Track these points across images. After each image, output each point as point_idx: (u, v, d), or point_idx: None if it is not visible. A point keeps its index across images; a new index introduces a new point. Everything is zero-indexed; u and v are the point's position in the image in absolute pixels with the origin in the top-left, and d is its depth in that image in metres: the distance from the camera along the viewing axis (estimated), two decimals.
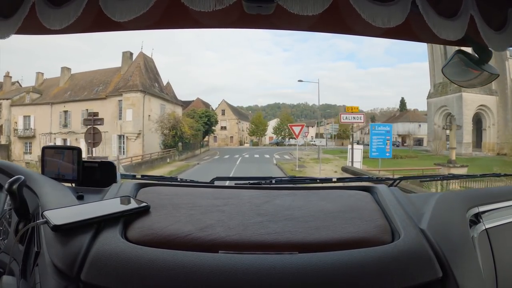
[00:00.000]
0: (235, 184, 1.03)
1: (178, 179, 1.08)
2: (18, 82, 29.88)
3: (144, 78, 25.51)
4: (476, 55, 0.88)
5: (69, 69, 28.75)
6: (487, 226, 0.78)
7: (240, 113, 55.00)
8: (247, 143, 49.44)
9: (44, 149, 1.00)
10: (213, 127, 32.43)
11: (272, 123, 53.13)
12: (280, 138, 49.76)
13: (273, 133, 50.64)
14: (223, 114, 47.84)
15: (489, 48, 0.80)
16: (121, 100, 24.31)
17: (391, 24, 0.62)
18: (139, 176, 1.07)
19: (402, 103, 63.22)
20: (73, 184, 0.95)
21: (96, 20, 0.77)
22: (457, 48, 0.91)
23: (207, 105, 42.16)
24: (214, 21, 0.83)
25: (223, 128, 47.01)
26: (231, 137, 47.35)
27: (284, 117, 51.96)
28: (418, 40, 0.89)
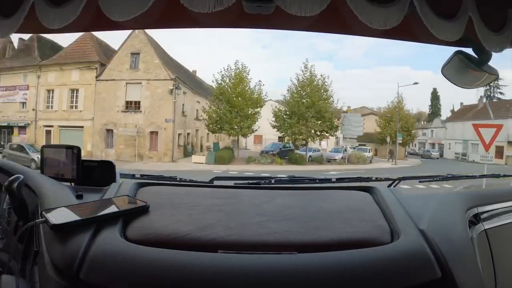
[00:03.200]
0: (235, 184, 1.03)
1: (178, 179, 1.08)
2: None
3: None
4: (476, 56, 0.88)
5: None
6: (486, 227, 0.78)
7: (184, 72, 21.29)
8: (208, 149, 19.53)
9: (43, 148, 1.00)
10: None
11: (271, 106, 18.86)
12: (287, 141, 20.40)
13: (275, 127, 18.67)
14: (134, 67, 16.88)
15: (487, 49, 0.80)
16: None
17: (388, 25, 0.62)
18: (139, 176, 1.07)
19: (434, 95, 43.56)
20: (73, 183, 0.95)
21: (95, 19, 0.77)
22: (456, 48, 0.91)
23: (106, 47, 18.15)
24: (214, 21, 0.83)
25: (133, 105, 16.84)
26: (154, 133, 16.71)
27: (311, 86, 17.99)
28: (417, 41, 0.90)
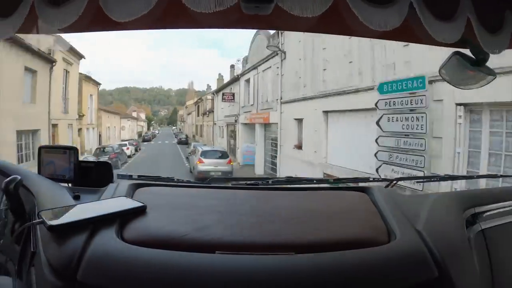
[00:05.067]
0: (232, 184, 1.03)
1: (175, 179, 1.08)
2: None
3: None
4: (473, 57, 0.89)
5: None
6: (483, 227, 0.79)
7: None
8: None
9: (41, 148, 0.99)
10: None
11: None
12: None
13: None
14: None
15: (485, 51, 0.81)
16: None
17: (388, 27, 0.62)
18: (136, 176, 1.07)
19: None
20: (70, 184, 0.94)
21: (96, 19, 0.77)
22: (454, 49, 0.92)
23: None
24: (214, 22, 0.83)
25: None
26: None
27: None
28: (416, 42, 0.90)
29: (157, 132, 63.39)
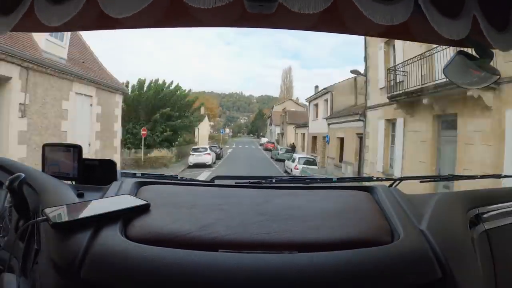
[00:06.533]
0: (236, 183, 1.03)
1: (179, 178, 1.08)
2: None
3: None
4: (478, 56, 0.88)
5: None
6: (487, 228, 0.78)
7: None
8: None
9: (45, 146, 1.00)
10: None
11: None
12: None
13: None
14: None
15: (494, 48, 0.79)
16: None
17: (395, 21, 0.61)
18: (140, 175, 1.07)
19: None
20: (74, 182, 0.95)
21: (95, 17, 0.77)
22: (458, 49, 0.91)
23: None
24: (216, 20, 0.83)
25: None
26: None
27: None
28: (420, 41, 0.89)
29: (216, 151, 22.92)
